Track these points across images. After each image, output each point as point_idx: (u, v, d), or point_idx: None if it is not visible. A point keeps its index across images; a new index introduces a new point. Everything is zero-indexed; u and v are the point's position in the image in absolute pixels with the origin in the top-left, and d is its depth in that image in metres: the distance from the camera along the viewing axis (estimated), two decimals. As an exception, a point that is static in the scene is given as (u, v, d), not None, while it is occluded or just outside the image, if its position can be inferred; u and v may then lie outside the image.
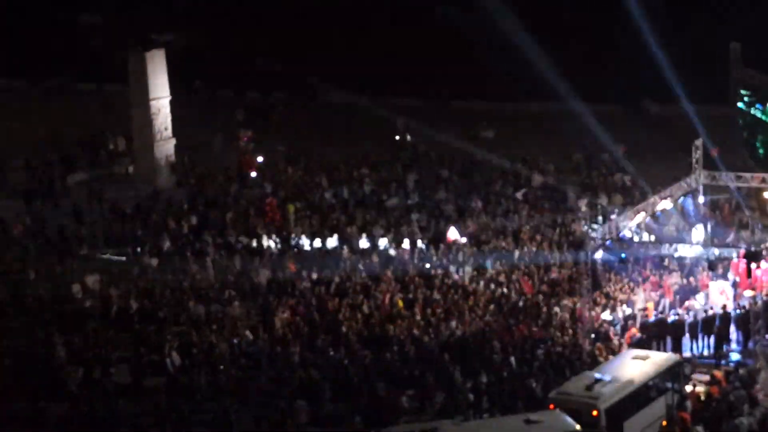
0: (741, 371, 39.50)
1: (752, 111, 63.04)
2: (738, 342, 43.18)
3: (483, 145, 68.35)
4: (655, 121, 71.60)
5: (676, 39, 70.01)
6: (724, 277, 46.50)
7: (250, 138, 59.46)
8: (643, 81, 69.45)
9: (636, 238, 46.47)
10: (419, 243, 51.34)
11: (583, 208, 56.42)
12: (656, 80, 67.87)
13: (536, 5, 75.89)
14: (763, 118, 62.71)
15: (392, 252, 49.98)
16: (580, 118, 70.87)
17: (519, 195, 59.04)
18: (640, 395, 35.86)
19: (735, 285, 45.95)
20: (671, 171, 55.06)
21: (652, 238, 47.25)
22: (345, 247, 50.21)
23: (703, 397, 37.55)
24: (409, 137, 69.99)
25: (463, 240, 51.47)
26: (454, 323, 43.13)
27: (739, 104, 63.01)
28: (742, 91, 62.70)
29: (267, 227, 51.99)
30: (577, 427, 32.98)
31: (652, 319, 43.53)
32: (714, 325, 42.82)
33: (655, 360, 37.77)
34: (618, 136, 67.25)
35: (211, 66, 75.02)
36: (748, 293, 44.30)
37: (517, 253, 50.44)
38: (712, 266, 44.53)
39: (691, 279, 47.66)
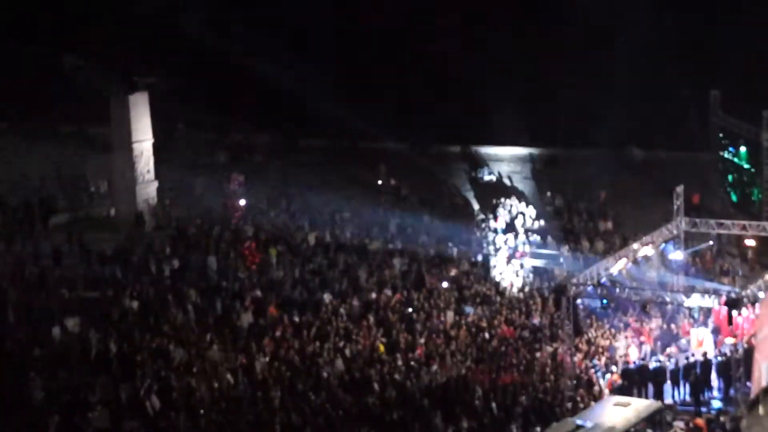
0: (722, 419, 39.45)
1: (724, 154, 63.58)
2: (719, 389, 43.16)
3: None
4: (638, 166, 71.96)
5: (657, 85, 70.60)
6: (705, 324, 46.55)
7: (242, 183, 59.38)
8: (628, 127, 69.87)
9: (617, 285, 46.47)
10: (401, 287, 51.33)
11: (565, 254, 56.53)
12: (641, 126, 68.36)
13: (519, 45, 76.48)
14: (735, 161, 63.24)
15: (373, 296, 49.87)
16: (564, 163, 71.19)
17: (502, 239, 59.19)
18: (622, 442, 35.79)
19: (716, 332, 45.99)
20: (653, 217, 55.25)
21: (634, 284, 47.27)
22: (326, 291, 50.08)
23: (684, 445, 37.51)
24: (392, 180, 70.11)
25: (445, 284, 51.49)
26: (435, 368, 43.04)
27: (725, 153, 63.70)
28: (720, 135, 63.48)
29: (248, 270, 51.82)
30: (559, 473, 32.91)
31: (633, 365, 43.49)
32: (695, 372, 42.81)
33: (637, 407, 37.72)
34: (600, 181, 67.57)
35: (194, 108, 75.01)
36: (730, 340, 44.32)
37: (498, 298, 50.50)
38: (692, 313, 44.62)
39: (672, 326, 47.72)
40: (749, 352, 42.56)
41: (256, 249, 53.39)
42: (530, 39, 74.72)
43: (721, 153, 64.57)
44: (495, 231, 60.82)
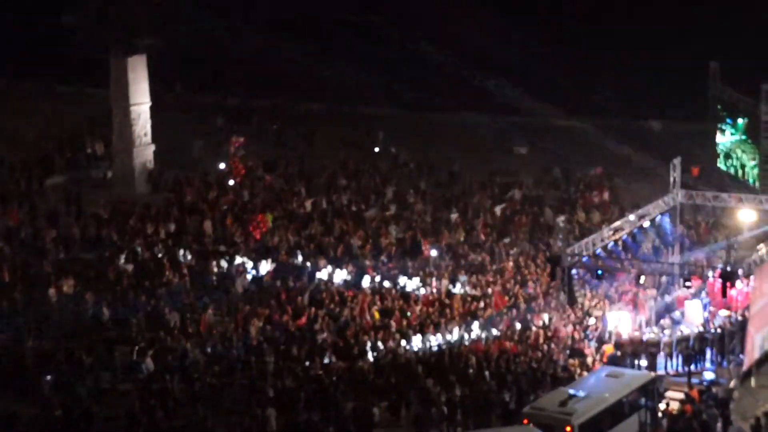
0: (714, 390, 39.61)
1: (722, 126, 63.48)
2: (712, 361, 43.29)
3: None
4: (646, 137, 71.93)
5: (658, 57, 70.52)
6: (699, 296, 46.62)
7: (242, 143, 59.38)
8: (633, 98, 69.77)
9: (613, 255, 46.52)
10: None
11: (561, 224, 56.42)
12: (647, 97, 68.30)
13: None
14: (732, 132, 63.10)
15: (368, 262, 49.87)
16: (564, 133, 71.00)
17: (497, 209, 59.10)
18: (614, 412, 35.93)
19: (709, 304, 46.07)
20: (651, 188, 55.25)
21: (629, 255, 47.33)
22: (322, 257, 50.05)
23: (676, 415, 37.60)
24: (393, 149, 69.91)
25: (434, 253, 51.38)
26: (429, 335, 43.11)
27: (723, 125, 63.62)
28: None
29: (244, 235, 51.75)
30: (551, 442, 33.04)
31: (627, 336, 43.58)
32: (688, 344, 42.93)
33: (630, 377, 37.87)
34: (600, 151, 67.47)
35: (193, 70, 74.78)
36: (723, 313, 44.43)
37: (493, 266, 50.50)
38: (686, 283, 44.70)
39: (667, 297, 47.79)
40: (743, 324, 42.69)
41: (267, 221, 53.17)
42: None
43: (719, 125, 64.38)
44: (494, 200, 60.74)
